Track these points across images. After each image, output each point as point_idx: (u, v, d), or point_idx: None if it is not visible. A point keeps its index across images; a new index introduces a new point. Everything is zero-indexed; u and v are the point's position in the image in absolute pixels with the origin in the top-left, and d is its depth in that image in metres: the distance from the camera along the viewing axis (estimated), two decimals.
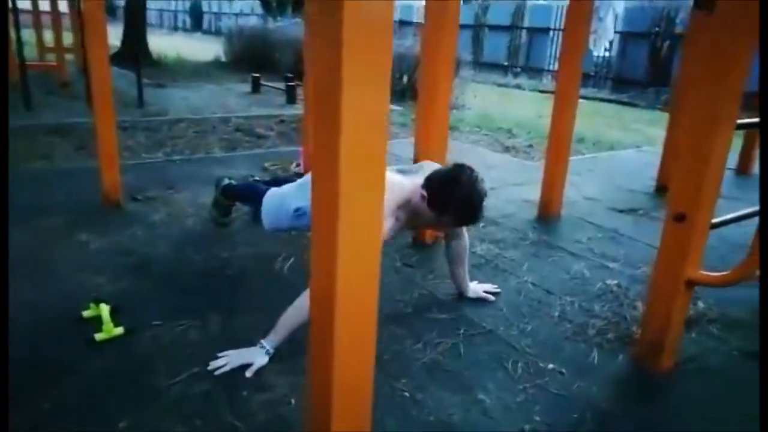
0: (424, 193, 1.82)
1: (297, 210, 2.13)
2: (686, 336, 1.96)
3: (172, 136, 5.05)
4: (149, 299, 2.08)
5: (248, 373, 1.66)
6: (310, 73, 0.97)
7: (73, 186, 3.30)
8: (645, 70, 12.71)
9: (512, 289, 2.33)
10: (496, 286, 2.31)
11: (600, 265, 2.64)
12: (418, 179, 1.90)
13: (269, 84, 8.39)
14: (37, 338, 1.79)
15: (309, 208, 2.01)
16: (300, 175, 3.43)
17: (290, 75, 8.39)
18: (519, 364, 1.80)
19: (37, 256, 2.35)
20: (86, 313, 1.92)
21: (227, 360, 1.70)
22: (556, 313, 2.15)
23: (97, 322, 1.84)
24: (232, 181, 2.73)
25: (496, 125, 6.96)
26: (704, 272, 1.71)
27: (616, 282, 2.45)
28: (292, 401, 1.57)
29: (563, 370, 1.78)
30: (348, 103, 0.88)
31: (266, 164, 4.09)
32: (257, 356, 1.70)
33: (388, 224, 1.79)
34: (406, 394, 1.63)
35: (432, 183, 1.83)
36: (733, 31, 1.48)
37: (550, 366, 1.80)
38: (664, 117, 8.75)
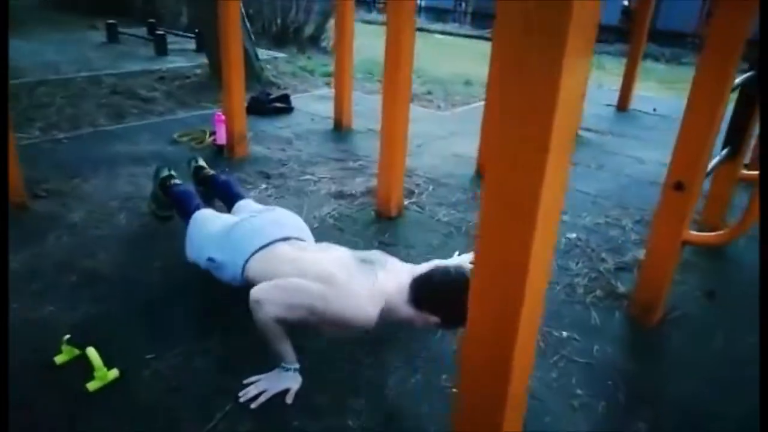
0: (437, 320, 1.55)
1: (210, 260, 1.85)
2: None
3: (37, 104, 4.29)
4: (125, 327, 1.80)
5: (289, 399, 1.53)
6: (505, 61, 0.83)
7: None
8: None
9: None
10: None
11: None
12: (396, 276, 1.63)
13: (128, 32, 7.39)
14: (10, 406, 1.46)
15: (223, 263, 1.81)
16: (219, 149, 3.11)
17: (152, 21, 7.49)
18: (538, 338, 1.87)
19: None
20: (59, 359, 1.61)
21: (261, 388, 1.54)
22: None
23: (77, 368, 1.56)
24: (173, 175, 2.39)
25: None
26: (698, 233, 1.87)
27: (575, 235, 2.61)
28: (350, 422, 1.48)
29: (576, 336, 1.89)
30: (564, 96, 0.79)
31: (176, 136, 3.65)
32: (290, 379, 1.57)
33: (375, 313, 1.54)
34: (455, 390, 1.62)
35: (436, 304, 1.54)
36: None
37: (564, 334, 1.90)
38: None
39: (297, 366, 1.58)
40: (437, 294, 1.55)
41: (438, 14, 14.28)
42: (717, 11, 1.59)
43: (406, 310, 1.58)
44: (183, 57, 6.55)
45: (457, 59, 8.23)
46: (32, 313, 1.82)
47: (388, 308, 1.57)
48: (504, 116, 0.85)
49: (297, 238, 1.88)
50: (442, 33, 12.01)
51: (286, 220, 1.97)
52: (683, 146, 1.73)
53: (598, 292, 2.15)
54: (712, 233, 1.88)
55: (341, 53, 3.88)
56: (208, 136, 3.63)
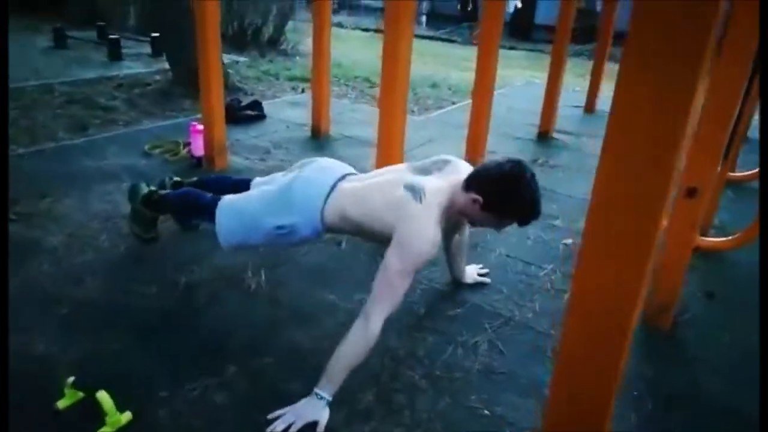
0: (477, 198, 1.62)
1: (280, 228, 1.84)
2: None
3: None
4: (130, 363, 1.67)
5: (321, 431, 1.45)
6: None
7: None
8: (457, 5, 13.38)
9: (495, 266, 2.36)
10: (481, 265, 2.31)
11: (548, 225, 2.79)
12: (449, 179, 1.72)
13: (77, 36, 7.02)
14: None
15: (297, 224, 1.83)
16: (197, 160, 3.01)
17: (102, 23, 7.16)
18: (556, 350, 1.85)
19: None
20: (62, 403, 1.47)
21: (289, 421, 1.46)
22: (549, 286, 2.24)
23: (83, 413, 1.43)
24: (162, 191, 2.26)
25: (351, 73, 6.80)
26: (709, 239, 1.90)
27: (571, 241, 2.62)
28: None
29: None
30: None
31: (147, 148, 3.47)
32: (320, 411, 1.48)
33: (439, 235, 1.59)
34: (486, 412, 1.58)
35: (487, 186, 1.62)
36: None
37: None
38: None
39: (330, 399, 1.50)
40: (482, 171, 1.66)
41: None
42: (734, 19, 1.61)
43: (460, 200, 1.67)
44: (139, 62, 6.27)
45: (418, 61, 8.21)
46: (24, 352, 1.66)
47: (448, 209, 1.67)
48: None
49: (349, 174, 1.96)
50: None
51: (328, 163, 1.99)
52: (697, 153, 1.75)
53: None
54: (723, 239, 1.92)
55: (318, 58, 3.79)
56: (182, 147, 3.46)
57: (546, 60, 9.15)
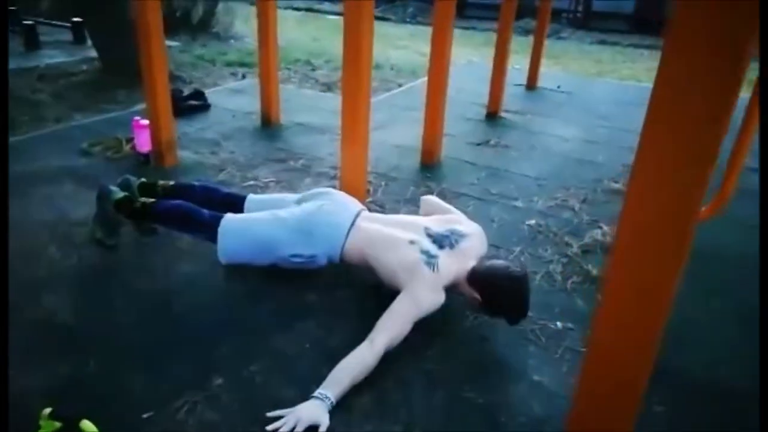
0: (477, 297, 1.78)
1: (296, 256, 1.98)
2: None
3: None
4: (106, 386, 1.57)
5: None
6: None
7: None
8: None
9: None
10: None
11: (509, 206, 2.84)
12: (460, 265, 1.83)
13: None
14: None
15: (316, 256, 1.96)
16: (145, 157, 2.93)
17: (13, 8, 6.60)
18: (537, 333, 1.90)
19: None
20: None
21: (291, 424, 1.43)
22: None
23: None
24: (149, 201, 2.15)
25: (290, 56, 6.61)
26: None
27: (534, 221, 2.69)
28: None
29: (570, 326, 1.95)
30: None
31: (85, 146, 3.24)
32: (322, 414, 1.46)
33: (443, 298, 1.79)
34: (481, 401, 1.60)
35: (489, 291, 1.76)
36: None
37: (560, 325, 1.95)
38: (424, 31, 9.43)
39: (333, 401, 1.49)
40: (487, 276, 1.78)
41: None
42: None
43: (463, 286, 1.82)
44: (60, 51, 5.83)
45: None
46: None
47: (451, 285, 1.82)
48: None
49: (362, 210, 2.11)
50: (335, 14, 11.77)
51: (342, 197, 2.14)
52: None
53: (575, 278, 2.23)
54: None
55: (265, 43, 3.63)
56: (125, 143, 3.26)
57: (480, 37, 9.33)
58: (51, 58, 5.51)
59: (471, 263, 1.83)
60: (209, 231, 2.00)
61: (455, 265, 1.83)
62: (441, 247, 1.87)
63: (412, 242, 1.86)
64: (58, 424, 1.39)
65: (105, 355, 1.68)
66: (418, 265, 1.79)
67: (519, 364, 1.76)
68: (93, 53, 5.30)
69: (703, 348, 1.89)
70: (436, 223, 1.99)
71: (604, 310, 1.04)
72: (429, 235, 1.91)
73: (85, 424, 1.33)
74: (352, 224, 1.99)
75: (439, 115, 3.24)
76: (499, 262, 1.82)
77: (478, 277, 1.79)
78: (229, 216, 2.03)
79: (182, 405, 1.50)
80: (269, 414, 1.47)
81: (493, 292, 1.76)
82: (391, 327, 1.66)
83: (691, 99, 0.81)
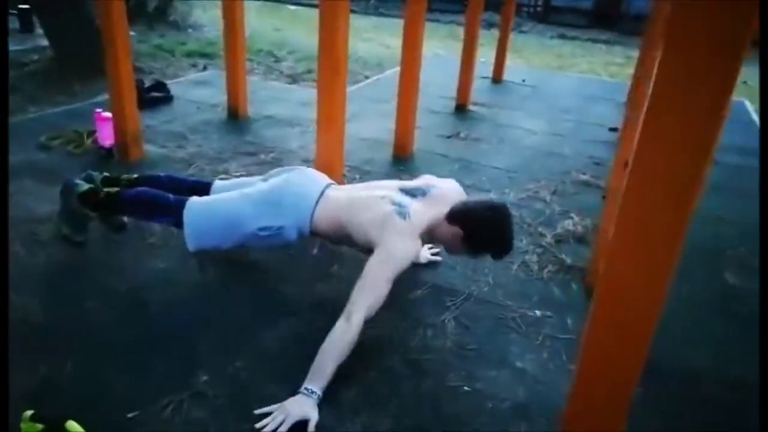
0: (460, 232, 1.77)
1: (263, 229, 1.89)
2: (583, 251, 2.36)
3: None
4: (87, 386, 1.52)
5: (311, 430, 1.42)
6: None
7: None
8: None
9: None
10: (431, 245, 2.35)
11: None
12: (434, 209, 1.83)
13: None
14: None
15: (285, 227, 1.87)
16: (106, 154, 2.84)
17: None
18: (518, 321, 1.94)
19: None
20: None
21: (279, 419, 1.41)
22: None
23: None
24: (112, 190, 2.07)
25: (253, 47, 6.48)
26: None
27: None
28: None
29: (549, 314, 2.00)
30: None
31: (43, 139, 3.10)
32: (310, 408, 1.45)
33: (417, 249, 1.80)
34: (467, 388, 1.63)
35: (472, 225, 1.76)
36: None
37: (538, 313, 1.99)
38: (388, 23, 9.41)
39: (320, 394, 1.47)
40: (467, 210, 1.79)
41: None
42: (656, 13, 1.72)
43: (441, 229, 1.81)
44: (8, 40, 5.54)
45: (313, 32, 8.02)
46: None
47: (428, 231, 1.81)
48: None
49: (332, 184, 2.05)
50: (294, 3, 11.61)
51: (311, 172, 2.08)
52: (632, 131, 1.88)
53: (551, 267, 2.28)
54: None
55: (232, 34, 3.56)
56: (86, 137, 3.14)
57: (444, 30, 9.37)
58: (33, 40, 5.23)
59: (446, 209, 1.82)
60: (175, 214, 1.91)
61: (429, 211, 1.81)
62: (413, 196, 1.86)
63: (382, 197, 1.83)
64: (39, 426, 1.34)
65: (83, 354, 1.62)
66: (389, 216, 1.74)
67: (501, 352, 1.79)
68: (43, 42, 5.07)
69: (671, 332, 1.97)
70: (410, 182, 1.99)
71: (599, 309, 1.07)
72: (401, 190, 1.89)
73: (71, 424, 1.29)
74: (321, 194, 1.94)
75: (412, 108, 3.25)
76: (478, 197, 1.84)
77: (457, 213, 1.79)
78: (194, 198, 1.95)
79: (168, 403, 1.47)
80: (257, 411, 1.46)
81: (475, 225, 1.75)
82: (367, 294, 1.60)
83: (690, 97, 0.83)
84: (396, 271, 1.65)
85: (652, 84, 0.85)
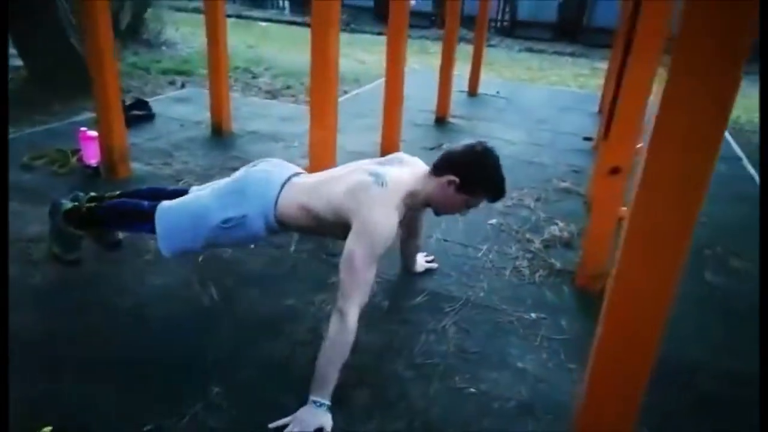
0: (453, 179, 1.69)
1: (227, 221, 1.78)
2: (570, 255, 2.45)
3: None
4: (101, 404, 1.52)
5: None
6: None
7: None
8: None
9: (437, 251, 2.46)
10: (426, 253, 2.41)
11: None
12: (410, 170, 1.80)
13: None
14: None
15: (247, 216, 1.81)
16: (91, 169, 2.83)
17: None
18: (515, 324, 2.01)
19: None
20: None
21: (297, 431, 1.43)
22: (490, 265, 2.39)
23: None
24: (91, 204, 2.05)
25: (231, 64, 6.46)
26: None
27: (495, 221, 2.81)
28: None
29: (544, 316, 2.07)
30: None
31: (26, 159, 3.06)
32: (322, 416, 1.48)
33: (397, 218, 1.64)
34: (473, 390, 1.68)
35: (463, 166, 1.69)
36: None
37: (534, 316, 2.06)
38: (360, 39, 9.53)
39: (329, 403, 1.50)
40: (454, 155, 1.72)
41: (254, 0, 13.76)
42: (642, 18, 1.83)
43: (428, 187, 1.74)
44: None
45: (293, 48, 8.09)
46: None
47: (411, 195, 1.71)
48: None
49: (302, 173, 1.96)
50: (265, 20, 11.66)
51: (279, 161, 2.00)
52: (617, 136, 1.98)
53: (541, 272, 2.36)
54: None
55: (215, 51, 3.58)
56: (71, 156, 3.11)
57: (416, 45, 9.52)
58: None
59: (425, 168, 1.79)
60: (149, 220, 1.85)
61: (406, 174, 1.75)
62: (390, 165, 1.81)
63: (355, 170, 1.77)
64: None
65: (89, 374, 1.61)
66: (365, 184, 1.65)
67: (502, 354, 1.85)
68: (17, 61, 4.99)
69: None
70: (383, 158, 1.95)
71: (610, 314, 1.13)
72: (374, 163, 1.86)
73: None
74: (288, 180, 1.85)
75: (396, 121, 3.32)
76: (455, 146, 1.76)
77: (444, 161, 1.72)
78: (165, 202, 1.89)
79: (183, 415, 1.48)
80: (272, 425, 1.46)
81: (467, 165, 1.69)
82: (355, 284, 1.52)
83: (698, 105, 0.90)
84: (377, 248, 1.55)
85: (661, 93, 0.92)
